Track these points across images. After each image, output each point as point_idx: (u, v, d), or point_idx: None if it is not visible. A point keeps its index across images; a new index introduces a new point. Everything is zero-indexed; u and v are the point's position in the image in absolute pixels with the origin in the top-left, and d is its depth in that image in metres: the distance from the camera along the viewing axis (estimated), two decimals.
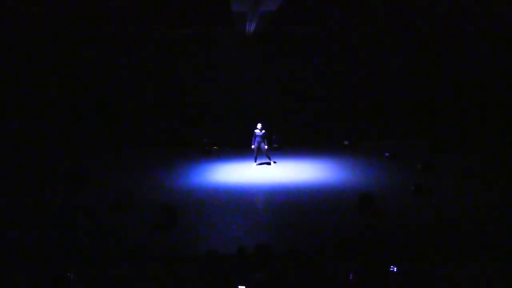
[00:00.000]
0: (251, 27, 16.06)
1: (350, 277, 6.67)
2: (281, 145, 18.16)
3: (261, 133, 14.97)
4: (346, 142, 18.84)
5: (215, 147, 18.24)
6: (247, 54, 18.44)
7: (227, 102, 18.62)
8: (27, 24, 15.56)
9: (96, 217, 10.28)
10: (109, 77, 17.98)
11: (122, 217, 10.60)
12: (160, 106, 18.50)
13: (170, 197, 11.99)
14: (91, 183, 13.50)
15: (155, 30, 17.63)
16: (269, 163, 15.33)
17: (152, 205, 10.79)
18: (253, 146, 15.10)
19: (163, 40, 18.03)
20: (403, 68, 18.68)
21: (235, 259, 7.20)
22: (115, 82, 18.07)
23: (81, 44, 17.47)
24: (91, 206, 11.28)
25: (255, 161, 15.32)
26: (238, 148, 17.63)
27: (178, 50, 18.19)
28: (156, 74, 18.35)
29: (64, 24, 16.31)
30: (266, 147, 15.06)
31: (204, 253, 7.33)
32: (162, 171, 14.96)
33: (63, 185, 13.15)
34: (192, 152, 17.57)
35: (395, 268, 6.87)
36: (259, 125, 15.03)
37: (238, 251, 7.36)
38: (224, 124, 18.58)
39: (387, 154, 16.10)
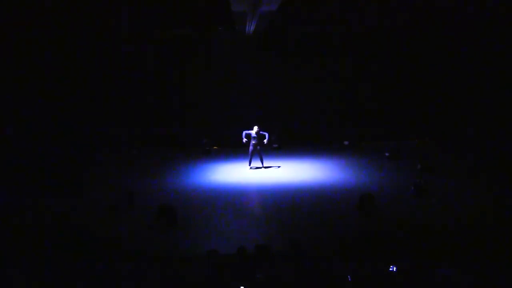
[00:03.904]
0: (251, 27, 16.05)
1: (349, 278, 6.67)
2: (281, 145, 18.14)
3: (256, 136, 14.57)
4: (346, 142, 18.83)
5: (215, 147, 18.23)
6: (247, 54, 18.42)
7: (227, 102, 18.61)
8: (27, 23, 15.56)
9: (95, 217, 10.30)
10: (109, 77, 17.96)
11: (122, 217, 10.61)
12: (160, 106, 18.48)
13: (170, 197, 11.99)
14: (91, 183, 13.51)
15: (155, 30, 17.61)
16: (259, 167, 15.03)
17: (152, 205, 10.79)
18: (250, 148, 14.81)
19: (163, 40, 18.01)
20: (403, 68, 18.66)
21: (235, 259, 7.20)
22: (115, 81, 18.04)
23: (81, 44, 17.46)
24: (90, 206, 11.30)
25: (249, 164, 15.03)
26: (238, 148, 17.61)
27: (178, 50, 18.17)
28: (156, 74, 18.33)
29: (64, 24, 16.30)
30: (266, 141, 14.73)
31: (204, 253, 7.33)
32: (162, 171, 14.96)
33: (62, 186, 13.16)
34: (192, 152, 17.57)
35: (395, 268, 6.87)
36: (255, 128, 14.68)
37: (238, 251, 7.36)
38: (224, 124, 18.56)
39: (387, 154, 16.10)
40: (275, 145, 18.08)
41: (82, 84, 17.82)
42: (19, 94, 16.64)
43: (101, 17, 16.06)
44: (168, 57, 18.18)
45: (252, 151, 14.78)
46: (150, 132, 18.34)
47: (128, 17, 16.21)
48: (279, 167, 15.26)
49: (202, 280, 6.85)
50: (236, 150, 17.43)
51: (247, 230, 9.76)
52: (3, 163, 14.71)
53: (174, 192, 12.58)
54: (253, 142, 14.68)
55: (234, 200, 11.78)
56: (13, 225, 10.00)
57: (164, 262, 7.86)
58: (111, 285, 7.10)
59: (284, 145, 18.20)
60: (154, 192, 12.56)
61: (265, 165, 15.05)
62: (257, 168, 15.04)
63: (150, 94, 18.41)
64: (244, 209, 11.11)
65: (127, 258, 8.09)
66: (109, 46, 17.71)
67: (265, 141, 14.86)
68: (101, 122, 17.88)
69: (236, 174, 14.56)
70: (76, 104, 17.77)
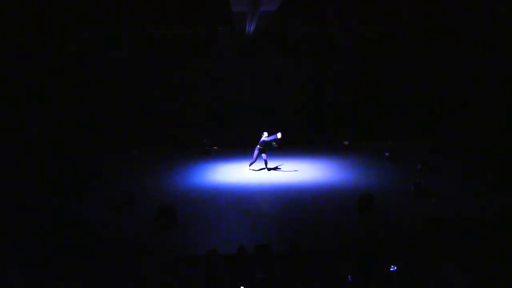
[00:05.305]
0: (251, 27, 16.06)
1: (349, 278, 6.67)
2: (281, 145, 18.10)
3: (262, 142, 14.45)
4: (346, 142, 18.85)
5: (215, 147, 18.24)
6: (247, 54, 18.42)
7: (227, 102, 18.61)
8: (27, 23, 15.56)
9: (95, 217, 10.30)
10: (109, 77, 17.96)
11: (122, 217, 10.61)
12: (160, 106, 18.49)
13: (170, 197, 11.99)
14: (91, 183, 13.52)
15: (155, 30, 17.61)
16: (264, 168, 14.89)
17: (152, 205, 10.80)
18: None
19: (163, 40, 18.02)
20: (404, 68, 18.67)
21: (235, 259, 7.20)
22: (115, 82, 18.05)
23: (80, 44, 17.45)
24: (91, 206, 11.30)
25: (249, 166, 14.91)
26: (238, 148, 17.65)
27: (178, 50, 18.18)
28: (156, 74, 18.33)
29: (64, 23, 16.30)
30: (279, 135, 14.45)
31: (204, 253, 7.33)
32: (162, 171, 14.96)
33: (62, 185, 13.16)
34: (192, 152, 17.57)
35: (395, 268, 6.87)
36: (265, 134, 14.50)
37: (238, 251, 7.36)
38: (224, 124, 18.56)
39: (387, 154, 16.11)
40: (275, 145, 18.04)
41: (82, 84, 17.80)
42: (19, 94, 16.61)
43: (101, 17, 16.07)
44: (168, 57, 18.18)
45: (257, 155, 14.62)
46: (150, 132, 18.35)
47: (128, 16, 16.22)
48: (279, 167, 15.22)
49: (202, 280, 6.85)
50: (236, 150, 17.48)
51: (247, 230, 9.76)
52: (4, 164, 14.70)
53: (174, 192, 12.57)
54: (260, 147, 14.55)
55: (234, 200, 11.78)
56: (13, 225, 10.00)
57: (164, 262, 7.86)
58: (111, 285, 7.10)
59: (284, 145, 18.17)
60: (154, 192, 12.56)
61: (268, 166, 14.93)
62: (258, 169, 14.99)
63: (150, 94, 18.41)
64: (244, 209, 11.09)
65: (127, 258, 8.09)
66: (109, 46, 17.70)
67: (278, 135, 14.36)
68: (101, 122, 17.87)
69: (236, 174, 14.56)
70: (76, 104, 17.76)
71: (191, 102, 18.55)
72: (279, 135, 14.46)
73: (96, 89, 17.92)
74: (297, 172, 14.66)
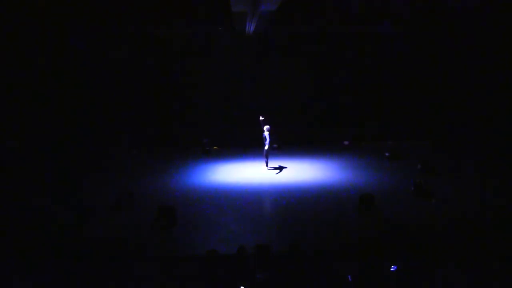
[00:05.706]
0: (251, 27, 16.06)
1: (349, 278, 6.68)
2: (281, 145, 18.13)
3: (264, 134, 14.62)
4: (346, 142, 18.84)
5: (215, 147, 18.23)
6: (247, 54, 18.42)
7: (227, 102, 18.61)
8: (29, 23, 15.56)
9: (95, 217, 10.30)
10: (109, 77, 17.96)
11: (122, 217, 10.61)
12: (160, 106, 18.49)
13: (170, 197, 11.99)
14: (91, 183, 13.52)
15: (155, 30, 17.62)
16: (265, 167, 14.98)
17: (152, 205, 10.80)
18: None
19: (163, 40, 18.02)
20: (404, 68, 18.68)
21: (235, 259, 7.20)
22: (115, 81, 18.04)
23: (80, 44, 17.44)
24: (90, 206, 11.30)
25: (267, 166, 14.96)
26: (238, 148, 17.64)
27: (178, 50, 18.18)
28: (156, 74, 18.33)
29: (64, 24, 16.30)
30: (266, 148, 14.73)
31: (204, 253, 7.33)
32: (162, 171, 14.97)
33: (63, 185, 13.17)
34: (192, 152, 17.57)
35: (395, 268, 6.88)
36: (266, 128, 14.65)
37: (238, 251, 7.36)
38: (224, 124, 18.56)
39: (387, 154, 16.12)
40: (274, 145, 18.07)
41: (82, 84, 17.81)
42: (19, 94, 16.62)
43: (101, 17, 16.06)
44: (168, 57, 18.18)
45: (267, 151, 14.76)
46: (150, 132, 18.35)
47: (128, 16, 16.21)
48: (280, 167, 15.23)
49: (202, 280, 6.86)
50: (236, 150, 17.47)
51: (247, 230, 9.76)
52: (5, 165, 14.71)
53: (174, 192, 12.57)
54: (267, 144, 14.64)
55: (234, 200, 11.78)
56: (13, 226, 10.00)
57: (164, 262, 7.86)
58: (111, 285, 7.10)
59: (283, 145, 18.19)
60: (154, 192, 12.56)
61: (269, 166, 14.97)
62: (274, 168, 14.97)
63: (150, 94, 18.41)
64: (244, 209, 11.10)
65: (127, 258, 8.09)
66: (109, 46, 17.70)
67: (260, 117, 14.69)
68: (101, 122, 17.87)
69: (236, 174, 14.56)
70: (76, 104, 17.76)
71: (191, 102, 18.55)
72: (260, 117, 14.63)
73: (96, 89, 17.93)
74: (297, 172, 14.65)
